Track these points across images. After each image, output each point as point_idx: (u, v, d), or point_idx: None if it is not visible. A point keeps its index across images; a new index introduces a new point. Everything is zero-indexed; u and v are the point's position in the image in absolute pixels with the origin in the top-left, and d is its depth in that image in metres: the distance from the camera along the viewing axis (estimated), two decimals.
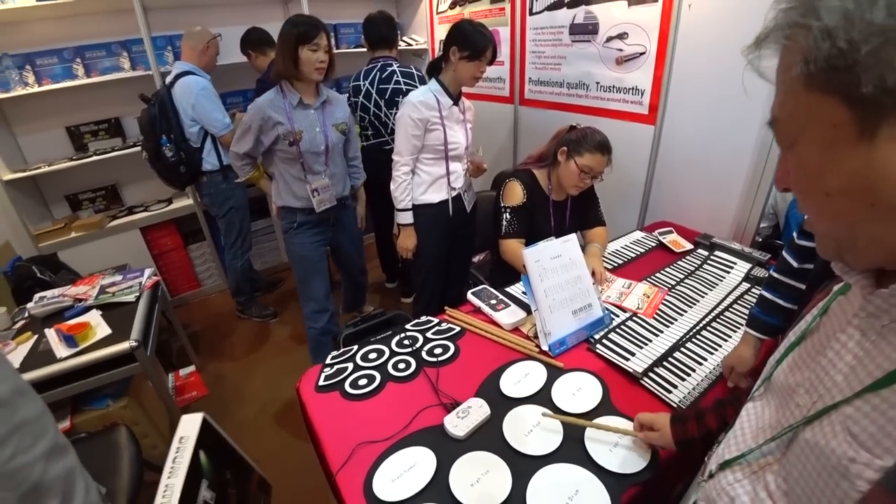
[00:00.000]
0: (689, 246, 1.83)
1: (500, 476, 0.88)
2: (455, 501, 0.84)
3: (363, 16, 2.46)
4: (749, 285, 1.55)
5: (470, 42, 1.65)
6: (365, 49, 2.52)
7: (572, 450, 0.94)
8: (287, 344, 2.64)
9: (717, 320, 1.37)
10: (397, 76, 2.36)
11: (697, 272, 1.65)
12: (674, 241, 1.86)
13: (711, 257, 1.73)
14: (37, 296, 1.83)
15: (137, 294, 1.83)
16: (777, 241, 1.98)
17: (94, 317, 1.70)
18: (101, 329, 1.63)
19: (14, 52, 2.41)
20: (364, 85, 2.40)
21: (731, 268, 1.65)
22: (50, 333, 1.61)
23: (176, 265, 2.99)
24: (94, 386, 1.55)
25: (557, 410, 1.04)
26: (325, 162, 1.89)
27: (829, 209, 0.40)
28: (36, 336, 1.63)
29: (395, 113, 2.23)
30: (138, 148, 2.57)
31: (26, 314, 1.77)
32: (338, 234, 2.13)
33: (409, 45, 3.32)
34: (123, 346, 1.53)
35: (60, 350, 1.52)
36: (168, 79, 2.35)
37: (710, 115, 1.82)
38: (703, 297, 1.50)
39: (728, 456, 0.54)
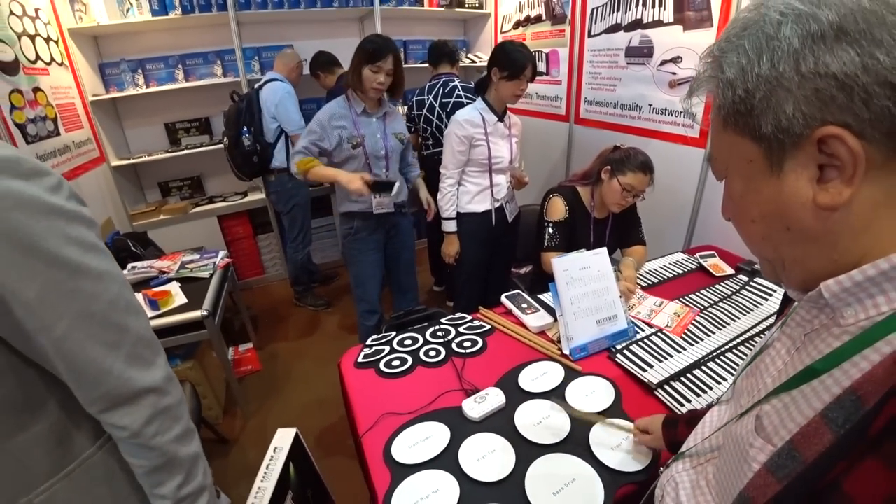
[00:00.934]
0: (730, 271, 1.82)
1: (504, 456, 0.97)
2: (461, 471, 0.94)
3: (433, 33, 2.69)
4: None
5: (509, 61, 1.76)
6: (428, 64, 2.74)
7: (576, 444, 1.01)
8: (336, 332, 2.84)
9: (746, 345, 1.37)
10: (458, 90, 2.54)
11: (733, 297, 1.65)
12: (714, 264, 1.85)
13: (751, 283, 1.72)
14: (129, 265, 2.14)
15: (211, 272, 2.09)
16: None
17: (174, 287, 1.96)
18: (179, 298, 1.88)
19: (130, 58, 2.81)
20: (428, 99, 2.59)
21: (770, 296, 1.63)
22: (138, 297, 1.88)
23: (245, 252, 3.30)
24: (168, 346, 1.79)
25: (568, 407, 1.11)
26: (385, 166, 1.98)
27: (756, 234, 0.45)
28: None
29: None
30: (222, 144, 2.89)
31: None
32: (394, 242, 2.17)
33: (473, 62, 3.48)
34: (196, 314, 1.77)
35: (146, 311, 1.78)
36: (258, 84, 2.65)
37: None
38: (734, 321, 1.50)
39: (683, 449, 0.61)
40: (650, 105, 2.22)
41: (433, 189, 2.47)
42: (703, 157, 2.04)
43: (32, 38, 2.16)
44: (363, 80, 1.80)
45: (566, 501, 0.88)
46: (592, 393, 1.17)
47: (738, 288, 1.70)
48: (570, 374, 1.23)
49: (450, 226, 2.02)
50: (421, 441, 1.01)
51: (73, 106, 2.46)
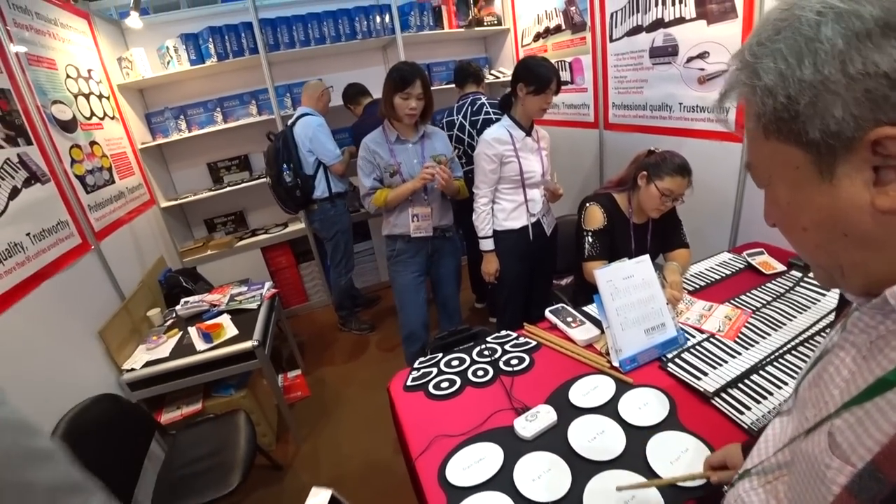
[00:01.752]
0: (782, 267, 1.74)
1: (560, 475, 0.96)
2: (517, 492, 0.93)
3: (455, 54, 2.75)
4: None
5: (534, 77, 1.77)
6: (454, 85, 2.81)
7: (634, 459, 0.98)
8: (382, 355, 2.89)
9: (805, 345, 1.31)
10: (486, 108, 2.58)
11: (787, 295, 1.57)
12: (764, 262, 1.78)
13: (805, 280, 1.64)
14: (182, 300, 2.26)
15: (259, 303, 2.18)
16: None
17: (225, 319, 2.06)
18: (230, 329, 1.97)
19: (172, 106, 3.00)
20: (458, 119, 2.63)
21: (827, 292, 1.55)
22: (192, 330, 2.00)
23: (288, 281, 3.42)
24: (222, 376, 1.89)
25: (620, 420, 1.09)
26: (424, 190, 1.99)
27: (808, 242, 0.43)
28: (181, 332, 2.03)
29: None
30: (262, 179, 3.04)
31: (174, 314, 2.21)
32: (437, 266, 2.17)
33: (497, 77, 3.52)
34: (247, 344, 1.85)
35: (199, 344, 1.88)
36: (291, 121, 2.77)
37: None
38: (791, 320, 1.43)
39: (748, 466, 0.58)
40: (681, 104, 2.18)
41: (467, 212, 2.49)
42: (740, 152, 1.97)
43: (87, 96, 2.34)
44: (396, 108, 1.86)
45: None
46: (646, 405, 1.14)
47: (791, 285, 1.63)
48: (622, 387, 1.20)
49: (487, 244, 2.03)
50: (475, 463, 1.01)
51: (124, 155, 2.64)
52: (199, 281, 2.73)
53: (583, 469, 0.97)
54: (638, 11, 2.23)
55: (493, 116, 2.54)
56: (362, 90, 2.98)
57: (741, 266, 1.81)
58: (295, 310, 3.51)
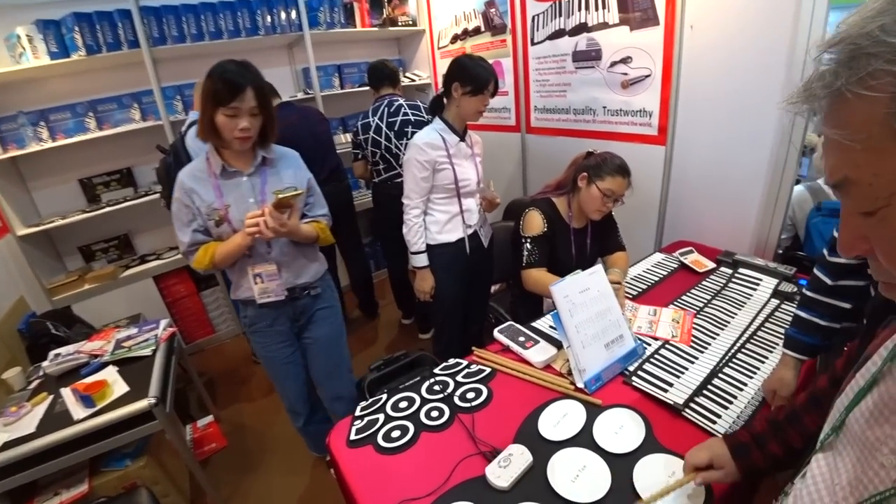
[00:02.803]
0: (712, 265, 1.80)
1: None
2: None
3: (368, 55, 2.54)
4: (778, 301, 1.51)
5: (472, 77, 1.66)
6: (368, 87, 2.60)
7: (622, 492, 0.89)
8: None
9: (751, 341, 1.34)
10: (404, 108, 2.44)
11: (723, 292, 1.61)
12: (695, 260, 1.82)
13: (736, 275, 1.69)
14: (52, 353, 1.80)
15: (154, 347, 1.80)
16: (798, 252, 1.94)
17: (110, 373, 1.66)
18: (119, 386, 1.59)
19: (28, 110, 2.46)
20: (374, 121, 2.44)
21: (758, 285, 1.61)
22: (66, 393, 1.57)
23: (189, 312, 2.97)
24: (112, 447, 1.50)
25: (600, 450, 0.99)
26: (267, 242, 1.45)
27: None
28: (52, 396, 1.59)
29: (406, 143, 2.26)
30: (150, 196, 2.59)
31: (41, 373, 1.73)
32: (308, 333, 1.67)
33: (413, 80, 3.38)
34: (142, 404, 1.48)
35: (77, 411, 1.48)
36: (182, 128, 2.38)
37: (721, 131, 1.82)
38: (733, 317, 1.46)
39: None
40: (604, 107, 2.20)
41: (388, 223, 2.32)
42: (663, 154, 2.02)
43: None
44: (220, 130, 1.31)
45: None
46: (621, 429, 1.05)
47: (724, 282, 1.68)
48: (592, 411, 1.11)
49: (420, 260, 1.87)
50: None
51: None
52: (74, 325, 2.25)
53: None
54: (560, 15, 2.21)
55: (412, 118, 2.41)
56: (271, 90, 2.67)
57: (675, 266, 1.84)
58: (200, 344, 3.07)
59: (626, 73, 2.02)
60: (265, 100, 1.34)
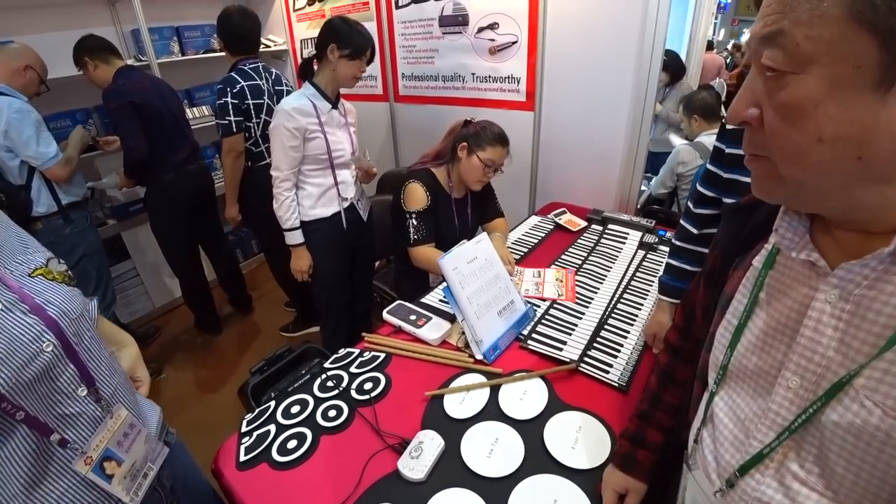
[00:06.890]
0: (584, 223, 1.91)
1: None
2: None
3: (210, 17, 2.13)
4: (644, 252, 1.65)
5: (350, 40, 1.52)
6: (219, 53, 2.19)
7: (538, 457, 0.89)
8: (185, 401, 2.25)
9: (627, 291, 1.43)
10: (284, 79, 2.14)
11: (597, 247, 1.72)
12: (569, 220, 1.92)
13: (606, 231, 1.82)
14: None
15: None
16: (655, 206, 2.17)
17: None
18: None
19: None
20: (265, 85, 2.04)
21: (626, 238, 1.75)
22: None
23: None
24: None
25: (508, 420, 0.98)
26: None
27: (814, 154, 0.37)
28: None
29: None
30: None
31: None
32: None
33: (268, 46, 3.01)
34: None
35: None
36: None
37: (584, 97, 1.91)
38: (609, 271, 1.56)
39: (741, 461, 0.50)
40: (473, 74, 2.18)
41: (259, 198, 2.01)
42: (532, 120, 2.08)
43: None
44: None
45: None
46: (525, 394, 1.05)
47: (597, 238, 1.79)
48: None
49: (295, 237, 1.69)
50: None
51: None
52: None
53: (495, 491, 0.83)
54: None
55: (286, 91, 2.11)
56: (109, 46, 2.08)
57: (551, 227, 1.92)
58: None
59: (493, 40, 2.01)
60: None
